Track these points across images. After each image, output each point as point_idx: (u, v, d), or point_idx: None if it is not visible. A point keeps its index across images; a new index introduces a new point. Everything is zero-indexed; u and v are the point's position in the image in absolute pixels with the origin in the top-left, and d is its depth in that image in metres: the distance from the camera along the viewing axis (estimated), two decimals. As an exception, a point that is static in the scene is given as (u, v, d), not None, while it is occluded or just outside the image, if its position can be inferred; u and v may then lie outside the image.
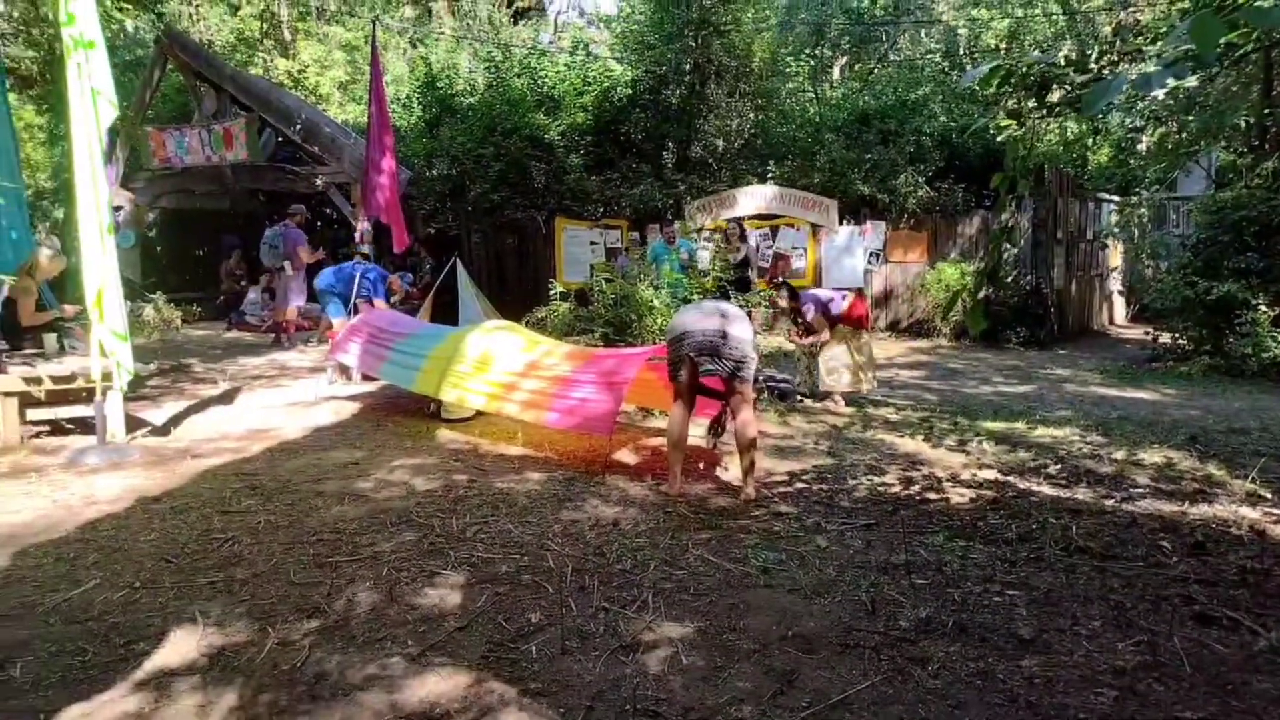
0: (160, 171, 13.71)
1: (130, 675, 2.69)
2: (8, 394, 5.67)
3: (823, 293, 7.49)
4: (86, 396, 5.64)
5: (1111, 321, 14.80)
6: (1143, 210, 13.32)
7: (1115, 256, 14.68)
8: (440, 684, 2.64)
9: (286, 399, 7.42)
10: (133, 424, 6.02)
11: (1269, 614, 3.05)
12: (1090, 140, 15.35)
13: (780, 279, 8.64)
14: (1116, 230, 13.48)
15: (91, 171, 5.32)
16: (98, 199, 5.34)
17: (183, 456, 5.45)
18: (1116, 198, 14.11)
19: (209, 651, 2.85)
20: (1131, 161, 14.86)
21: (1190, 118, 12.68)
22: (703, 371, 4.75)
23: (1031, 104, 3.32)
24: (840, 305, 7.24)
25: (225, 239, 15.10)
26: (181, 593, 3.33)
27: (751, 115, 14.76)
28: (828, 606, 3.19)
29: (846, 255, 13.40)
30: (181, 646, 2.88)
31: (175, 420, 6.49)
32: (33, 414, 5.83)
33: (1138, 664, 2.73)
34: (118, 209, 12.43)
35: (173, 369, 8.85)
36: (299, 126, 12.82)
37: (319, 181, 12.96)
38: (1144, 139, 14.73)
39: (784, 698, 2.55)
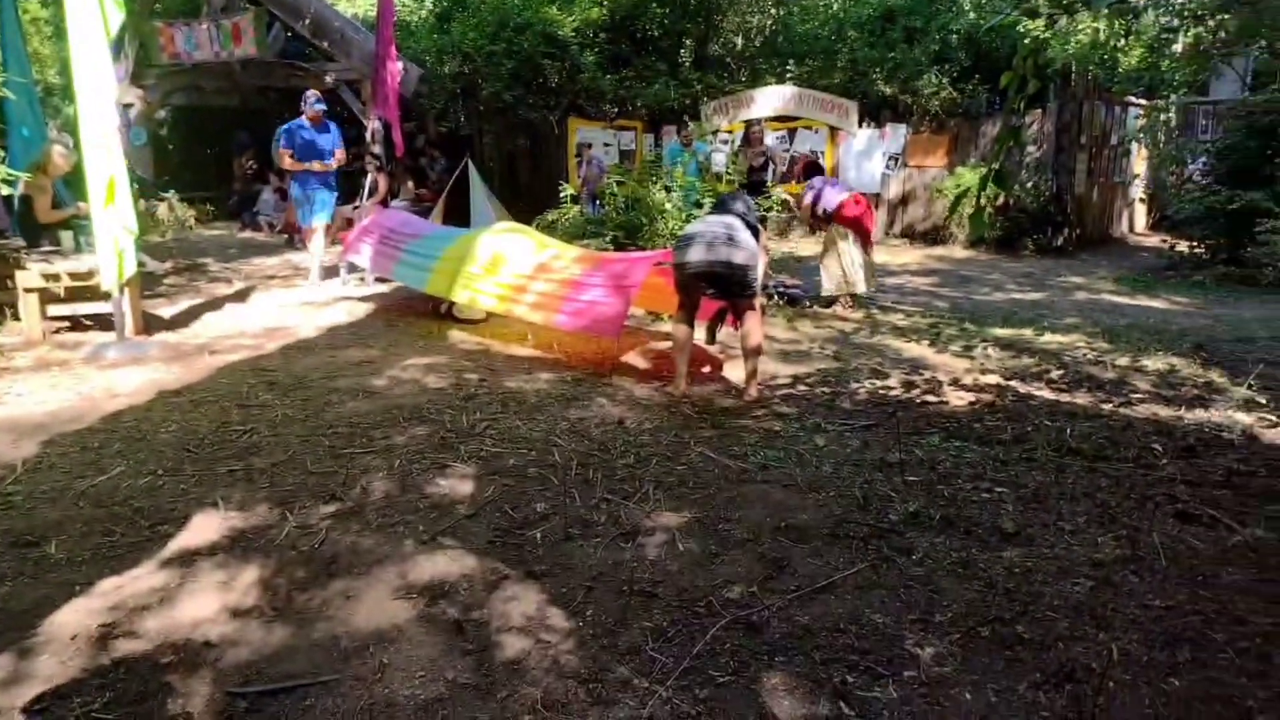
0: (170, 68, 13.50)
1: (157, 554, 2.86)
2: (29, 290, 5.79)
3: (829, 190, 7.35)
4: (105, 293, 5.75)
5: (1132, 229, 14.57)
6: (1169, 115, 12.95)
7: (1139, 163, 14.36)
8: (450, 564, 2.79)
9: (301, 299, 7.52)
10: (150, 321, 6.15)
11: (1248, 512, 3.16)
12: (1122, 41, 14.81)
13: (801, 176, 8.46)
14: (1141, 135, 13.14)
15: (94, 66, 5.27)
16: (102, 96, 5.31)
17: (200, 353, 5.58)
18: (1144, 102, 13.72)
19: (230, 534, 3.01)
20: (1163, 65, 14.36)
21: (1228, 16, 12.20)
22: (706, 294, 4.87)
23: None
24: (832, 202, 7.18)
25: (237, 137, 14.97)
26: (203, 480, 3.49)
27: (773, 11, 14.31)
28: (821, 500, 3.32)
29: (865, 159, 13.19)
30: (204, 529, 3.04)
31: (191, 318, 6.61)
32: (53, 310, 5.96)
33: (1116, 557, 2.85)
34: (128, 106, 12.31)
35: (188, 268, 8.94)
36: (307, 20, 12.55)
37: (329, 79, 12.75)
38: (1179, 40, 14.20)
39: (774, 581, 2.69)
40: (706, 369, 5.43)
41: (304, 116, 7.88)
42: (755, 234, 4.89)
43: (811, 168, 7.94)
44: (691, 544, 2.95)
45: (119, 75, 9.32)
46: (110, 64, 5.42)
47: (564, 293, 5.49)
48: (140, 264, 5.98)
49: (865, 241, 7.35)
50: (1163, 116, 12.88)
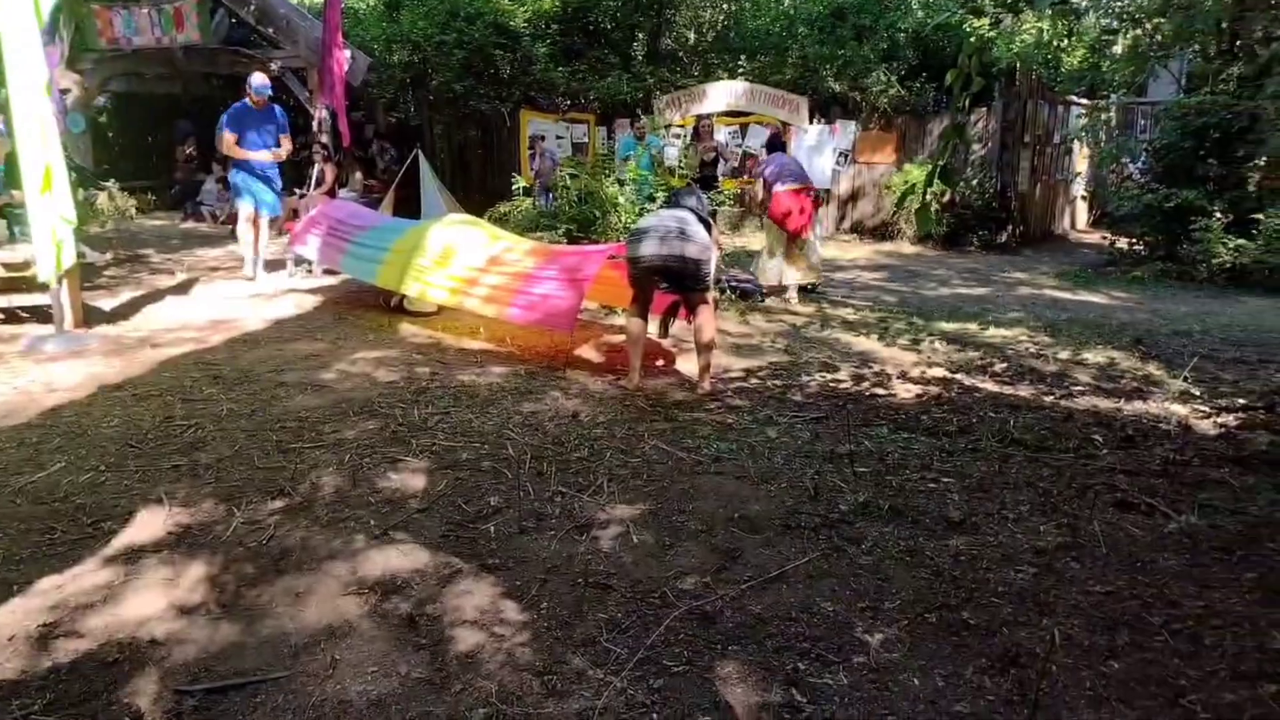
0: (108, 53, 13.10)
1: (99, 551, 2.79)
2: (-40, 281, 5.60)
3: (783, 176, 7.44)
4: (42, 285, 5.57)
5: (1074, 226, 14.94)
6: (1110, 114, 13.29)
7: (1081, 161, 14.73)
8: (402, 559, 2.77)
9: (247, 290, 7.37)
10: (90, 313, 5.98)
11: (1183, 500, 3.27)
12: (1064, 42, 15.17)
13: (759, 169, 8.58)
14: (1083, 134, 13.48)
15: (25, 49, 5.08)
16: (34, 81, 5.14)
17: (142, 346, 5.44)
18: (1085, 101, 14.07)
19: (176, 530, 2.95)
20: (1103, 65, 14.72)
21: (1164, 20, 12.55)
22: (659, 288, 4.90)
23: None
24: (778, 188, 7.32)
25: (179, 125, 14.60)
26: (146, 476, 3.41)
27: (725, 6, 14.37)
28: (773, 492, 3.35)
29: (816, 155, 13.30)
30: (149, 525, 2.98)
31: (133, 310, 6.44)
32: (-14, 301, 5.77)
33: (1058, 545, 2.93)
34: (65, 92, 11.91)
35: (129, 259, 8.70)
36: (253, 6, 12.27)
37: (274, 66, 12.48)
38: (1119, 42, 14.57)
39: (726, 572, 2.72)
40: (660, 362, 5.45)
41: (248, 100, 7.68)
42: (708, 228, 4.92)
43: (774, 141, 8.06)
44: (645, 536, 2.96)
45: (53, 59, 9.01)
46: (42, 47, 5.24)
47: (517, 286, 5.47)
48: (79, 255, 5.80)
49: (792, 240, 7.50)
50: (1103, 116, 13.22)
